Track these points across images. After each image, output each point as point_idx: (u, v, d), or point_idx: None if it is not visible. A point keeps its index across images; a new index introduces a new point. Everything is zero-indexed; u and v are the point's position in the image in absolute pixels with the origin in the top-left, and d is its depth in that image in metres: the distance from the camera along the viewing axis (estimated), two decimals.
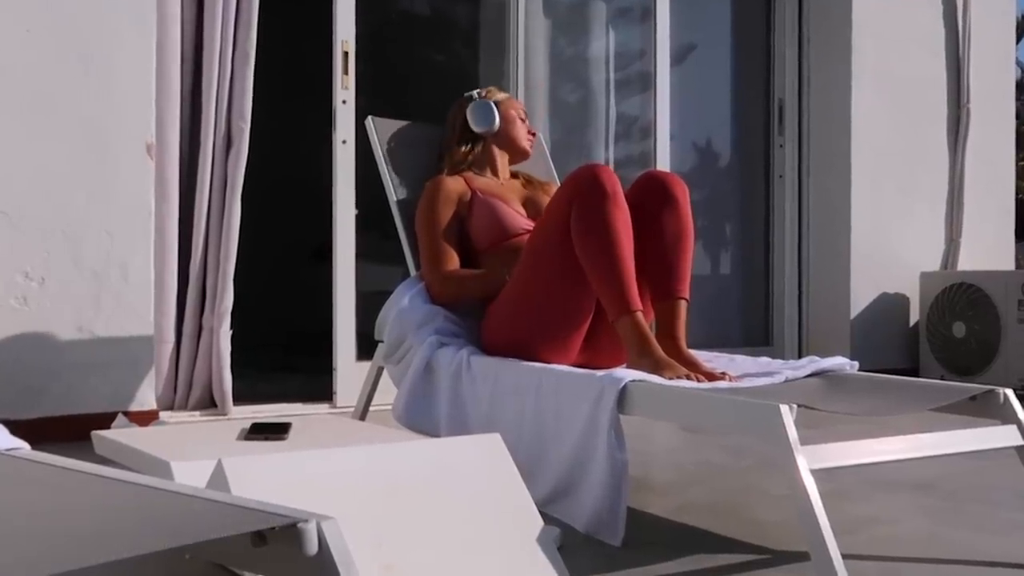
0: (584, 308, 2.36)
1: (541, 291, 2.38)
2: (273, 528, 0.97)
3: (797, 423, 1.68)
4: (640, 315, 2.25)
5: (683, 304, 2.41)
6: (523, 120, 2.87)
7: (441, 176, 2.75)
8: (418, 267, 2.77)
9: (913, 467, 2.62)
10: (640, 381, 2.02)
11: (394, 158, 2.92)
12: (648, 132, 4.68)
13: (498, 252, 2.62)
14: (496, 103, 2.83)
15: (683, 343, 2.36)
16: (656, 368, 2.15)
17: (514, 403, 2.24)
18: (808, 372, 2.25)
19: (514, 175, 2.90)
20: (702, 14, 4.94)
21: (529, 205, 2.77)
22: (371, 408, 2.89)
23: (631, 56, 4.74)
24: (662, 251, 2.41)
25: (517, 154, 2.87)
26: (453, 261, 2.63)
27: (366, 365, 2.91)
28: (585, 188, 2.29)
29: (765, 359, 2.51)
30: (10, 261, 3.00)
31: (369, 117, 2.99)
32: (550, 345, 2.37)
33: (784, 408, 1.69)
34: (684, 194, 2.46)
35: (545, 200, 2.75)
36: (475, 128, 2.79)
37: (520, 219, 2.66)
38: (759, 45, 5.02)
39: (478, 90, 2.90)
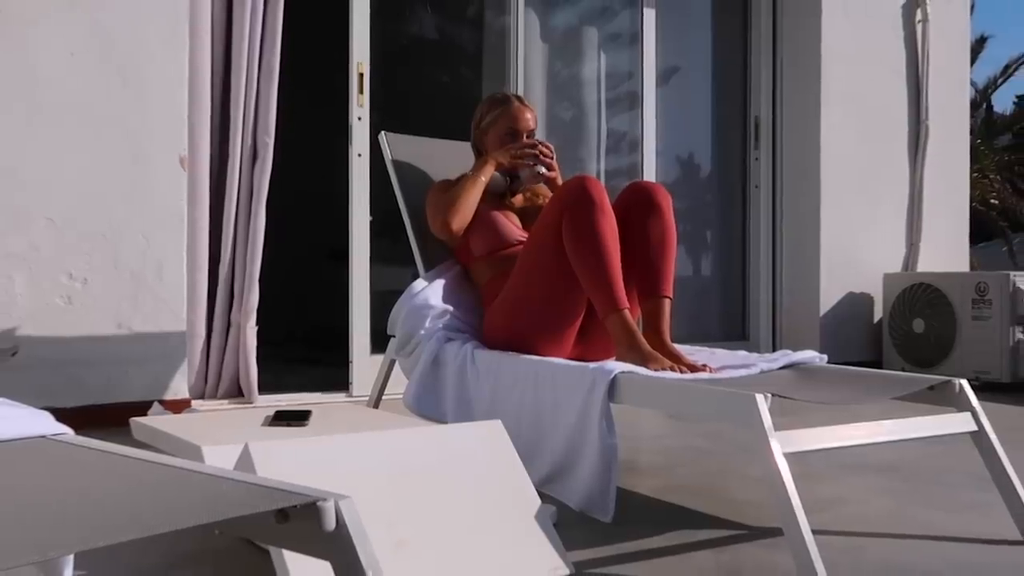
0: (576, 306, 2.35)
1: (537, 291, 2.38)
2: (295, 506, 0.97)
3: (771, 411, 1.68)
4: (627, 313, 2.24)
5: (667, 302, 2.40)
6: (512, 137, 2.69)
7: (445, 182, 2.75)
8: (427, 268, 2.76)
9: (877, 451, 2.62)
10: (629, 373, 2.02)
11: (404, 170, 2.92)
12: (636, 146, 4.68)
13: (494, 260, 2.60)
14: (493, 119, 2.73)
15: (667, 338, 2.35)
16: (643, 361, 2.15)
17: (514, 393, 2.24)
18: (781, 364, 2.25)
19: None
20: (685, 39, 4.94)
21: (526, 214, 2.74)
22: (384, 397, 2.88)
23: (620, 77, 4.74)
24: (648, 254, 2.40)
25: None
26: None
27: (379, 358, 2.90)
28: (574, 198, 2.29)
29: (742, 353, 2.51)
30: (56, 263, 3.00)
31: (382, 132, 2.99)
32: (546, 340, 2.37)
33: (759, 397, 1.69)
34: (667, 202, 2.45)
35: (543, 205, 2.72)
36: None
37: (515, 230, 2.63)
38: (737, 68, 5.02)
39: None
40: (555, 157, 2.69)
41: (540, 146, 2.65)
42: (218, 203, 3.38)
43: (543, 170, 2.66)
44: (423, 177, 2.91)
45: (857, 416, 1.92)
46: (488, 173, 2.65)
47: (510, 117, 2.72)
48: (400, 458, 1.58)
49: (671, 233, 2.44)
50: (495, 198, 2.71)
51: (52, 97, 2.99)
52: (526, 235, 2.62)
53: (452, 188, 2.65)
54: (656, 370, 2.11)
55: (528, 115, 2.74)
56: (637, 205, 2.43)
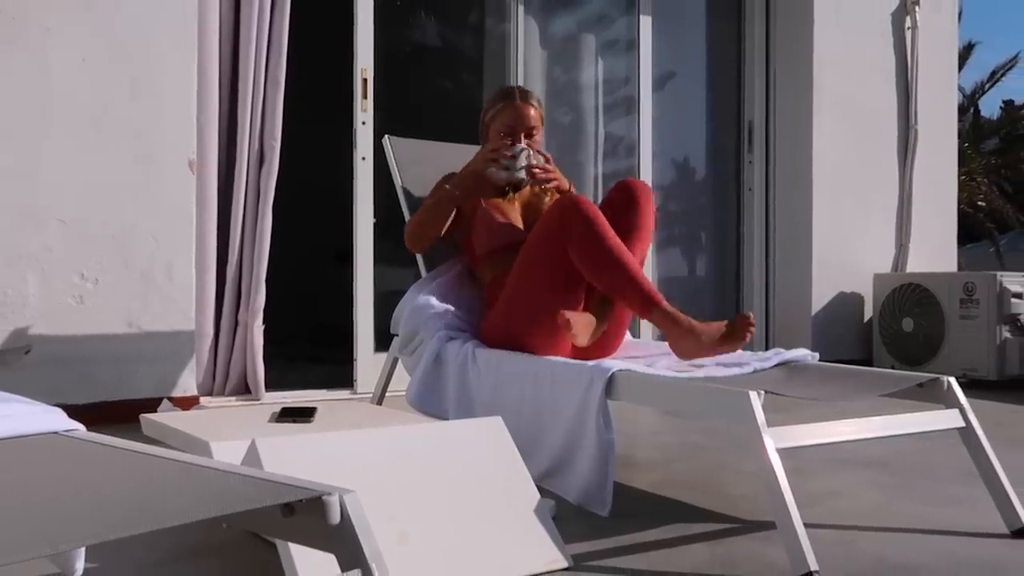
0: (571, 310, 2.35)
1: (532, 300, 2.36)
2: (301, 500, 0.97)
3: (764, 407, 1.68)
4: (665, 304, 2.23)
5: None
6: (509, 135, 2.66)
7: (450, 176, 2.72)
8: (428, 269, 2.76)
9: (867, 447, 2.62)
10: (626, 370, 2.02)
11: (407, 172, 2.92)
12: (632, 150, 4.68)
13: (494, 260, 2.58)
14: (495, 114, 2.68)
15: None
16: (699, 333, 2.14)
17: (514, 390, 2.24)
18: (774, 363, 2.25)
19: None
20: (681, 46, 4.94)
21: (530, 210, 2.67)
22: (387, 394, 2.89)
23: (617, 83, 4.74)
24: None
25: None
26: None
27: (383, 356, 2.91)
28: (577, 221, 2.26)
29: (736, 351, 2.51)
30: (68, 264, 3.00)
31: (386, 136, 2.99)
32: (543, 345, 2.35)
33: (753, 394, 1.69)
34: (648, 197, 2.45)
35: (546, 201, 2.67)
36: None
37: (516, 230, 2.59)
38: (731, 74, 5.02)
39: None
40: (550, 164, 2.67)
41: (506, 151, 2.59)
42: (226, 205, 3.38)
43: (520, 174, 2.61)
44: (425, 179, 2.91)
45: (848, 413, 1.92)
46: (462, 187, 2.62)
47: (508, 115, 2.67)
48: (403, 453, 1.57)
49: (646, 225, 2.44)
50: (498, 192, 2.69)
51: (65, 101, 2.99)
52: (525, 232, 2.61)
53: (429, 200, 2.65)
54: (708, 341, 2.13)
55: (530, 112, 2.67)
56: (620, 201, 2.45)
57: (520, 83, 4.30)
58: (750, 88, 4.96)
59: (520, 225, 2.64)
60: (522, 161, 2.61)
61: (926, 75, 4.98)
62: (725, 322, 2.15)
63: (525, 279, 2.39)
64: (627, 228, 2.41)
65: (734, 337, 2.13)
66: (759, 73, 4.95)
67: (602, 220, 2.28)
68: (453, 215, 2.67)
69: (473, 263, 2.69)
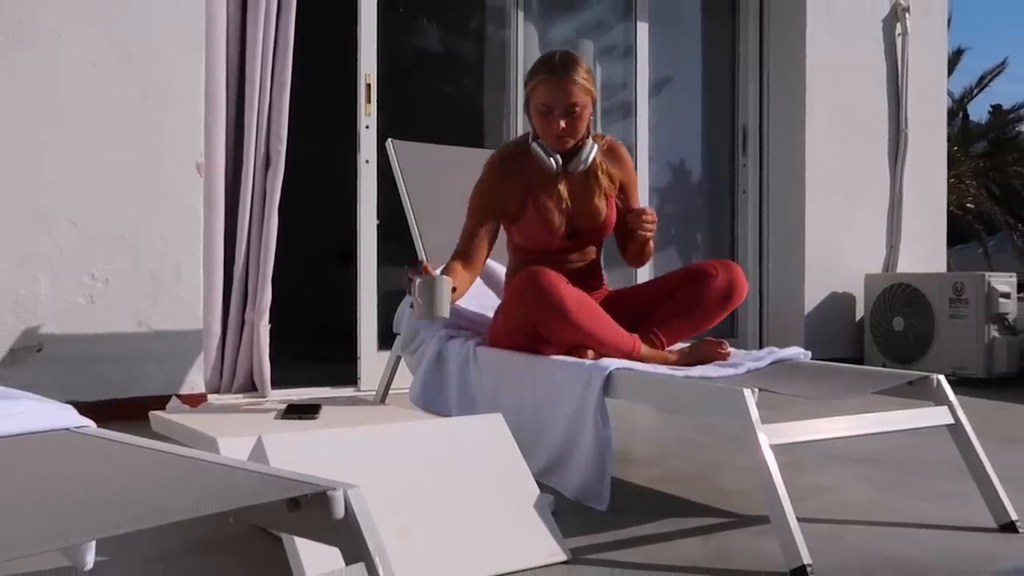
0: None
1: (522, 338, 2.31)
2: (306, 495, 0.97)
3: (758, 405, 1.68)
4: (643, 350, 2.25)
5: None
6: (545, 113, 2.32)
7: (499, 165, 2.43)
8: None
9: (859, 443, 2.62)
10: (624, 369, 2.02)
11: (410, 175, 2.92)
12: (630, 153, 4.67)
13: (520, 257, 2.48)
14: (532, 87, 2.35)
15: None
16: (674, 364, 2.23)
17: (514, 388, 2.23)
18: (768, 361, 2.25)
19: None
20: (677, 52, 4.94)
21: (576, 202, 2.43)
22: (390, 392, 2.88)
23: (615, 87, 4.73)
24: (689, 313, 2.40)
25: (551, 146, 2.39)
26: (470, 252, 2.40)
27: (386, 354, 2.91)
28: (534, 302, 2.19)
29: (731, 350, 2.51)
30: (79, 264, 3.00)
31: (389, 140, 2.99)
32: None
33: (747, 392, 1.69)
34: (739, 302, 2.41)
35: (597, 197, 2.45)
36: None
37: (549, 239, 2.42)
38: (726, 79, 5.02)
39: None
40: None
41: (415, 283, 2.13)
42: (233, 207, 3.38)
43: (440, 312, 2.09)
44: (428, 182, 2.91)
45: (840, 410, 1.92)
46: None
47: (543, 90, 2.31)
48: (406, 450, 1.58)
49: (714, 320, 2.42)
50: (548, 181, 2.41)
51: (75, 105, 2.99)
52: (562, 243, 2.44)
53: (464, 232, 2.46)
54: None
55: (571, 88, 2.28)
56: (713, 282, 2.37)
57: (520, 88, 4.29)
58: (744, 93, 4.96)
59: (562, 223, 2.42)
60: (436, 296, 2.05)
61: (916, 80, 4.98)
62: (688, 345, 2.29)
63: (508, 333, 2.34)
64: (698, 319, 2.40)
65: (701, 357, 2.25)
66: (753, 78, 4.95)
67: (566, 298, 2.17)
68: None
69: (509, 243, 2.56)
